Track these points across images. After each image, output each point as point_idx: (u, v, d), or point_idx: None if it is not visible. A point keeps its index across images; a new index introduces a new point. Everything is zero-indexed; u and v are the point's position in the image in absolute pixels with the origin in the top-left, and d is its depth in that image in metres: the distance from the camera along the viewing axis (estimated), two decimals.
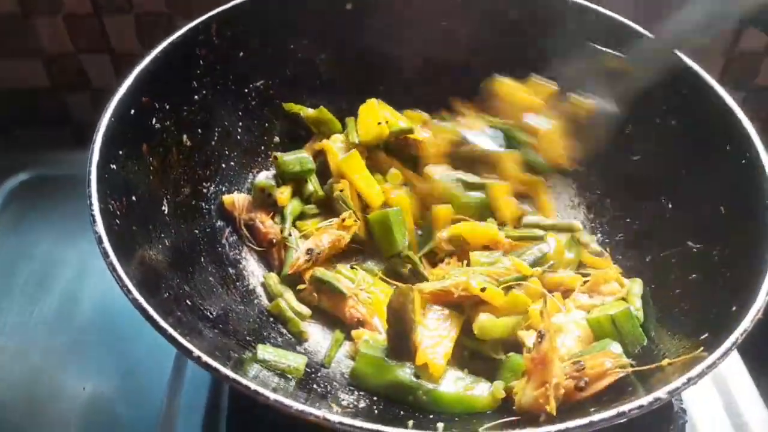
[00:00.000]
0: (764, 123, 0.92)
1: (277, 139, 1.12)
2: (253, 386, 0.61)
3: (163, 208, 0.91)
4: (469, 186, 1.02)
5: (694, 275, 0.87)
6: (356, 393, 0.83)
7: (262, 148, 1.11)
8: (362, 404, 0.81)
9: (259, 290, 0.98)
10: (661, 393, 0.63)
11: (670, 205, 0.96)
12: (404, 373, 0.82)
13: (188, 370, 1.00)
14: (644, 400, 0.62)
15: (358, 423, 0.59)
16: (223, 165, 1.04)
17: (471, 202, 1.00)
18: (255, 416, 0.89)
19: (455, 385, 0.82)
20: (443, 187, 1.02)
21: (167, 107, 0.94)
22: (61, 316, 1.12)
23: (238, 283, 0.96)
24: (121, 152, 0.84)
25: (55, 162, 1.35)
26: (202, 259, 0.93)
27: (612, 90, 0.97)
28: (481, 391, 0.82)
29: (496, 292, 0.85)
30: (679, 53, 0.97)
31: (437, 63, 1.14)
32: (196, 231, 0.95)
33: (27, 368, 1.06)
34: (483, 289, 0.85)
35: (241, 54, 1.05)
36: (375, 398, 0.82)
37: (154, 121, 0.92)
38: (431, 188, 1.03)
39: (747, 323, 0.69)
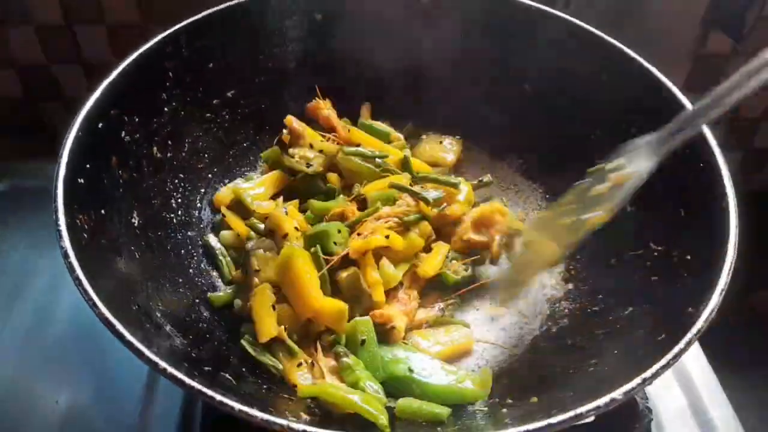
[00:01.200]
0: (725, 126, 0.95)
1: (248, 146, 1.13)
2: (218, 397, 0.62)
3: (133, 220, 0.91)
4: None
5: (654, 277, 0.89)
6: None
7: (233, 157, 1.12)
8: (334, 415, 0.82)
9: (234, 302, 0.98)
10: (617, 394, 0.65)
11: (632, 208, 0.98)
12: (399, 369, 0.85)
13: (162, 381, 1.00)
14: (600, 401, 0.64)
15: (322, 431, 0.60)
16: (194, 176, 1.05)
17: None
18: (228, 425, 0.89)
19: (447, 378, 0.86)
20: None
21: (136, 120, 0.95)
22: (33, 328, 1.11)
23: (212, 297, 0.97)
24: (89, 166, 0.85)
25: (28, 172, 1.34)
26: (173, 271, 0.94)
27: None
28: (471, 383, 0.86)
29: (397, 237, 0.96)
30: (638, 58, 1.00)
31: (407, 72, 1.15)
32: (167, 244, 0.96)
33: None
34: (387, 237, 0.94)
35: (211, 65, 1.05)
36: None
37: (123, 133, 0.93)
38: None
39: (701, 324, 0.71)
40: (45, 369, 1.06)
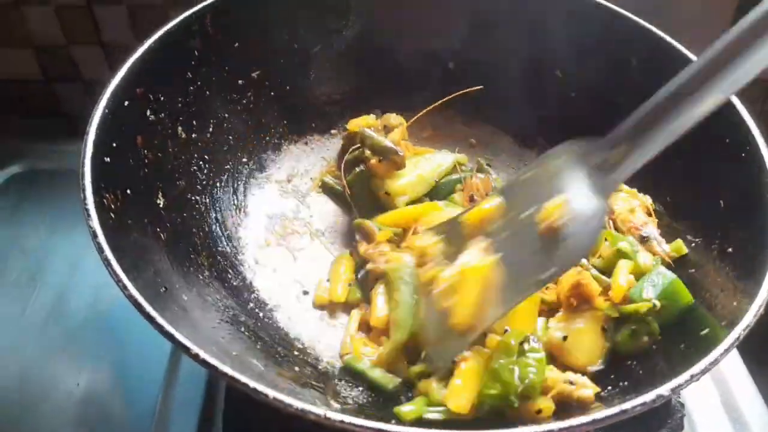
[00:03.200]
0: (763, 116, 0.92)
1: (272, 129, 1.11)
2: (252, 384, 0.60)
3: (158, 201, 0.89)
4: None
5: (692, 270, 0.86)
6: (357, 388, 0.82)
7: (258, 139, 1.09)
8: (362, 400, 0.80)
9: (257, 285, 0.97)
10: (664, 390, 0.62)
11: (668, 199, 0.96)
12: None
13: (184, 365, 0.99)
14: (647, 397, 0.62)
15: (359, 421, 0.58)
16: (219, 157, 1.02)
17: None
18: (252, 411, 0.88)
19: None
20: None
21: (162, 99, 0.93)
22: (54, 310, 1.11)
23: (236, 280, 0.95)
24: (115, 144, 0.83)
25: (47, 154, 1.33)
26: (199, 255, 0.92)
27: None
28: None
29: None
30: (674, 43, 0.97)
31: (435, 59, 1.13)
32: (193, 226, 0.94)
33: (20, 363, 1.04)
34: None
35: (237, 45, 1.03)
36: (373, 394, 0.81)
37: (148, 112, 0.91)
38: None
39: (749, 319, 0.69)
40: (65, 351, 1.06)
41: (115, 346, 1.06)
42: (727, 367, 1.00)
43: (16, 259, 1.17)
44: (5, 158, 1.31)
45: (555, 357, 0.81)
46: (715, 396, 0.97)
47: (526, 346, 0.75)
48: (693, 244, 0.90)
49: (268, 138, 1.10)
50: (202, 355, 0.62)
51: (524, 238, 0.72)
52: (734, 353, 1.02)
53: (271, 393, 0.60)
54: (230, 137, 1.05)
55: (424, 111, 1.11)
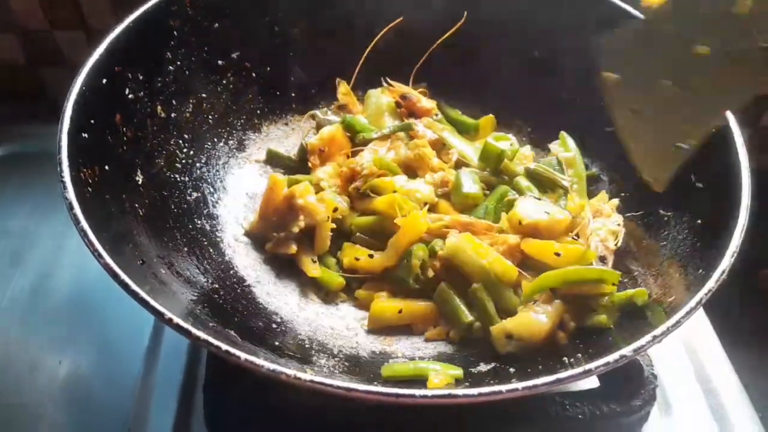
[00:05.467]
0: None
1: (252, 109, 1.12)
2: (224, 347, 0.62)
3: (137, 178, 0.90)
4: None
5: (663, 242, 0.88)
6: (333, 359, 0.84)
7: (238, 120, 1.10)
8: (337, 369, 0.81)
9: (236, 262, 0.97)
10: (627, 351, 0.64)
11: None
12: None
13: (165, 343, 0.99)
14: (610, 357, 0.64)
15: (327, 381, 0.59)
16: (199, 136, 1.03)
17: None
18: (232, 387, 0.89)
19: None
20: None
21: (141, 77, 0.94)
22: (36, 291, 1.12)
23: (215, 256, 0.96)
24: (93, 121, 0.84)
25: (30, 137, 1.34)
26: (178, 232, 0.93)
27: None
28: None
29: None
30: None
31: (411, 37, 1.13)
32: (171, 203, 0.95)
33: (3, 343, 1.05)
34: None
35: (216, 25, 1.04)
36: (348, 364, 0.83)
37: (127, 91, 0.92)
38: None
39: (711, 284, 0.70)
40: (47, 331, 1.07)
41: (97, 326, 1.07)
42: (699, 339, 1.02)
43: None
44: None
45: None
46: (689, 368, 0.98)
47: None
48: (665, 218, 0.91)
49: (248, 118, 1.11)
50: (176, 320, 0.63)
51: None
52: (708, 328, 1.03)
53: (243, 355, 0.61)
54: (210, 117, 1.06)
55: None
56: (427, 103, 1.12)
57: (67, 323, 1.08)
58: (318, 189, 1.00)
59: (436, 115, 1.11)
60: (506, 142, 1.07)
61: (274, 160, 1.11)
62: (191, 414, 0.92)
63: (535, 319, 0.84)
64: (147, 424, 0.91)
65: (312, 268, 0.95)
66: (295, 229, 0.94)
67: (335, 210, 0.97)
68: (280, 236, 0.96)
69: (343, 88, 1.14)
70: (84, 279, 1.13)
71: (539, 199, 0.97)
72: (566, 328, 0.85)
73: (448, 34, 1.12)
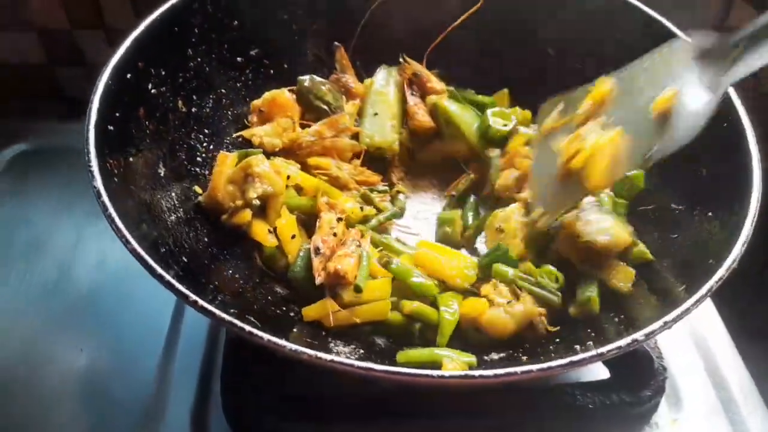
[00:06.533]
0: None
1: None
2: (248, 328, 0.64)
3: (160, 171, 0.93)
4: None
5: (674, 235, 0.90)
6: (350, 345, 0.86)
7: None
8: (354, 356, 0.83)
9: (255, 254, 0.99)
10: (639, 335, 0.65)
11: (654, 169, 0.99)
12: None
13: (183, 332, 1.02)
14: (622, 342, 0.65)
15: (347, 361, 0.61)
16: (218, 131, 1.06)
17: None
18: (250, 375, 0.91)
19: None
20: None
21: (163, 73, 0.96)
22: (57, 281, 1.14)
23: (235, 248, 0.98)
24: (117, 114, 0.87)
25: (49, 135, 1.36)
26: (198, 223, 0.95)
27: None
28: None
29: None
30: (666, 23, 1.00)
31: (428, 32, 1.15)
32: (193, 195, 0.98)
33: (24, 332, 1.07)
34: None
35: (236, 23, 1.07)
36: (364, 350, 0.85)
37: (150, 86, 0.95)
38: None
39: (722, 272, 0.72)
40: (68, 320, 1.08)
41: (116, 317, 1.09)
42: (708, 333, 1.03)
43: (21, 233, 1.20)
44: (11, 137, 1.35)
45: None
46: (698, 361, 0.99)
47: None
48: (677, 211, 0.93)
49: None
50: (201, 302, 0.66)
51: (638, 118, 0.79)
52: (717, 319, 1.05)
53: (266, 336, 0.63)
54: (228, 112, 1.08)
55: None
56: (437, 84, 1.14)
57: (87, 313, 1.10)
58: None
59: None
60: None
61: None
62: (209, 402, 0.93)
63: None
64: (165, 412, 0.93)
65: (269, 237, 0.96)
66: (252, 195, 0.94)
67: (288, 178, 0.99)
68: (237, 204, 0.95)
69: (339, 55, 1.16)
70: (104, 269, 1.15)
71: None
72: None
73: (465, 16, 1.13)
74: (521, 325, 0.87)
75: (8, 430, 0.97)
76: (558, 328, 0.87)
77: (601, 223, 0.91)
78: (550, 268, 0.91)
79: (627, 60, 0.88)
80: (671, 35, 0.97)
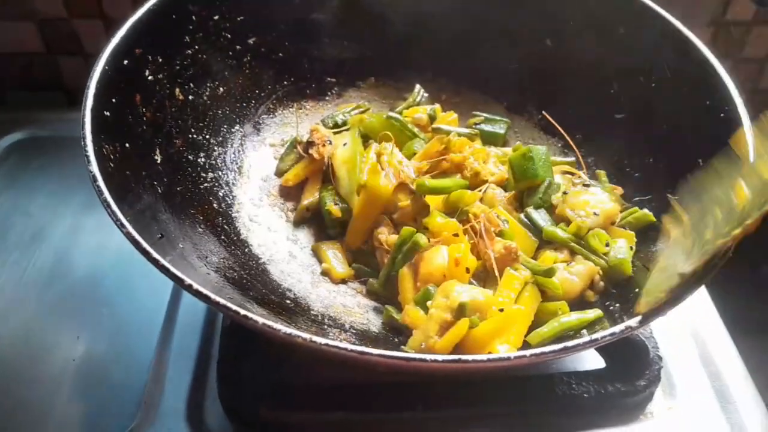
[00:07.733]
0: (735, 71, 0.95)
1: (267, 94, 1.15)
2: (242, 311, 0.64)
3: (156, 158, 0.93)
4: None
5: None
6: (345, 333, 0.86)
7: (253, 102, 1.13)
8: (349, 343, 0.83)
9: (251, 241, 1.00)
10: (632, 322, 0.66)
11: (651, 160, 0.99)
12: None
13: (179, 320, 1.01)
14: (616, 328, 0.65)
15: (342, 345, 0.61)
16: (215, 119, 1.06)
17: None
18: (245, 363, 0.91)
19: None
20: None
21: (160, 60, 0.96)
22: (54, 270, 1.14)
23: (230, 235, 0.98)
24: (114, 100, 0.87)
25: (48, 123, 1.36)
26: (195, 210, 0.96)
27: None
28: None
29: None
30: (665, 15, 1.00)
31: (426, 26, 1.15)
32: (189, 182, 0.98)
33: (22, 320, 1.08)
34: None
35: (234, 11, 1.06)
36: (358, 338, 0.85)
37: (147, 73, 0.94)
38: None
39: (716, 260, 0.72)
40: (65, 308, 1.09)
41: (113, 304, 1.10)
42: (704, 323, 1.03)
43: (20, 221, 1.21)
44: (8, 126, 1.35)
45: None
46: (693, 351, 1.00)
47: None
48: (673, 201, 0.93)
49: (263, 102, 1.14)
50: (195, 285, 0.66)
51: None
52: (712, 311, 1.05)
53: (260, 320, 0.63)
54: (226, 100, 1.08)
55: None
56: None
57: (85, 301, 1.10)
58: None
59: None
60: None
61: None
62: (205, 389, 0.93)
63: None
64: (161, 399, 0.93)
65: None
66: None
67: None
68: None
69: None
70: (101, 258, 1.15)
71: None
72: None
73: None
74: (586, 284, 0.89)
75: (5, 418, 0.97)
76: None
77: (589, 205, 0.94)
78: (600, 231, 0.92)
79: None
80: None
